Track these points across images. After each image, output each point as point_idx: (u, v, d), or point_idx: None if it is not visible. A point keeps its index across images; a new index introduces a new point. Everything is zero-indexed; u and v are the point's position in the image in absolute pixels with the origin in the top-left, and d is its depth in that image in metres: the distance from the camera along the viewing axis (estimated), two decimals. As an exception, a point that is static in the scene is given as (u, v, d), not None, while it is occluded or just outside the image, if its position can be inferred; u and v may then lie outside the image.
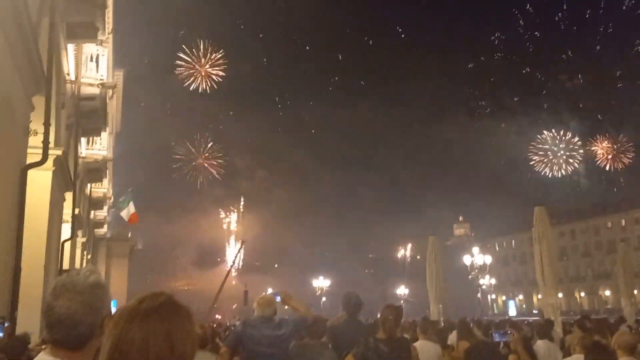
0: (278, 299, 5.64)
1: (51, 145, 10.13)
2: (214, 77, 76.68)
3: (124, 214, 30.04)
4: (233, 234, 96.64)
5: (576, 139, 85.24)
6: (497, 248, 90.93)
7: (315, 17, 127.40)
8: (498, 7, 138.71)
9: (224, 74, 77.04)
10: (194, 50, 74.94)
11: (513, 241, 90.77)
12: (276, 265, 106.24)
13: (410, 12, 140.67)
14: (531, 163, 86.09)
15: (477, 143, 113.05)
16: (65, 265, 15.08)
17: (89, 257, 26.22)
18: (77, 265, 19.37)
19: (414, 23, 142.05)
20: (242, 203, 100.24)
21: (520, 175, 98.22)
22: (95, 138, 20.02)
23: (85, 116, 16.39)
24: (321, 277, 54.72)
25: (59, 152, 11.23)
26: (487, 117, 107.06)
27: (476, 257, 35.30)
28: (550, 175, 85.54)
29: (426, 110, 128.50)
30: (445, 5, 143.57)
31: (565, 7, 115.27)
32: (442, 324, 15.66)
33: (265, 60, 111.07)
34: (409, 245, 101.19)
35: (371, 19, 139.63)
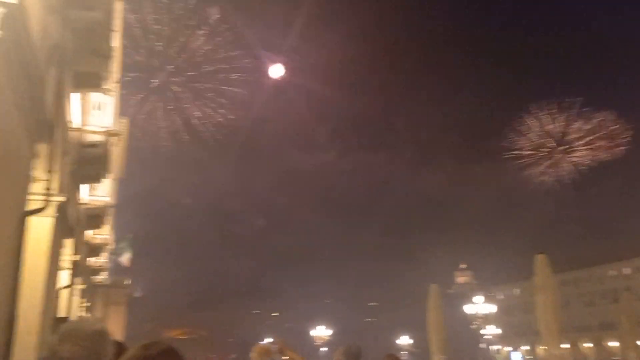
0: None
1: (53, 192, 10.18)
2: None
3: (123, 259, 29.97)
4: (230, 279, 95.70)
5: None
6: (500, 296, 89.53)
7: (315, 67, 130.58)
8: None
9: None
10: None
11: (517, 289, 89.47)
12: (277, 314, 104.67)
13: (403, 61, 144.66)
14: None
15: (474, 189, 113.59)
16: (62, 313, 14.86)
17: (87, 304, 25.86)
18: (74, 312, 19.09)
19: (408, 70, 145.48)
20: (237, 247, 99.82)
21: (520, 221, 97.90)
22: (97, 184, 20.10)
23: (88, 163, 16.51)
24: (322, 327, 53.50)
25: (61, 199, 11.26)
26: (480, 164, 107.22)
27: (480, 306, 34.69)
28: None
29: (422, 159, 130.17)
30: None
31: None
32: (445, 376, 15.32)
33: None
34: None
35: (368, 64, 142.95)
